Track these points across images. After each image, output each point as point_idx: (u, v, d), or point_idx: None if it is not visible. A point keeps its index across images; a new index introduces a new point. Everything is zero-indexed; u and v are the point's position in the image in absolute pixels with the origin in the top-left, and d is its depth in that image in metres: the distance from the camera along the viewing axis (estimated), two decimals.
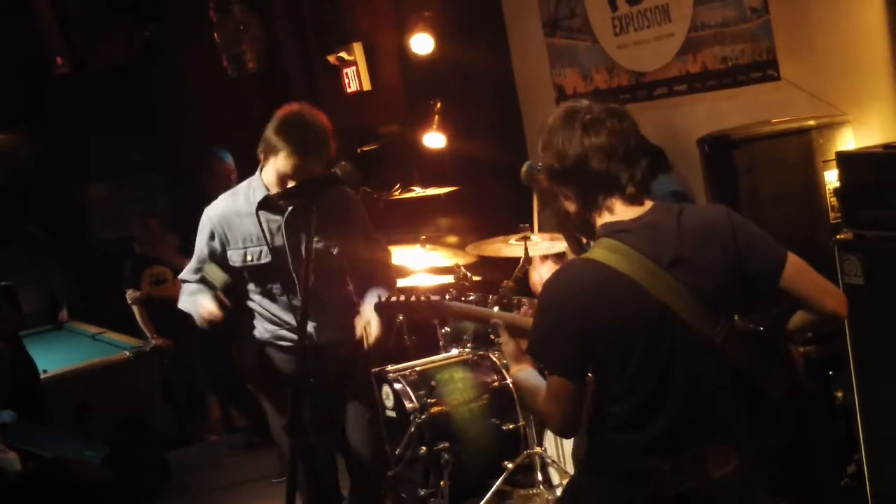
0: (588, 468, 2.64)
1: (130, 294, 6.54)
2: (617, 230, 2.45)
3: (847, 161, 3.46)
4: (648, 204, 2.50)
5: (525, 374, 2.67)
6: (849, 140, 3.94)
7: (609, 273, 2.40)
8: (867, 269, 3.30)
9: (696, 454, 2.44)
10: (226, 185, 4.70)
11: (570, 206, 2.54)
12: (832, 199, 3.79)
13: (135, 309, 6.56)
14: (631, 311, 2.40)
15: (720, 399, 2.47)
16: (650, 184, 2.53)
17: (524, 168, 3.81)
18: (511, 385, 4.63)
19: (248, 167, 4.59)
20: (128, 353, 6.06)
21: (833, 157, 3.63)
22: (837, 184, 3.56)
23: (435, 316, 3.21)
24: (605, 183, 2.47)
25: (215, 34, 7.23)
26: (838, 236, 3.43)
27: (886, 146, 3.41)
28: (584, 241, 2.80)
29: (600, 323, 2.40)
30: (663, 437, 2.43)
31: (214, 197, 4.00)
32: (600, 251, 2.44)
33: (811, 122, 3.90)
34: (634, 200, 2.49)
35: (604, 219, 2.49)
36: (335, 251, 3.86)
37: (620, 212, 2.48)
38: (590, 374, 2.49)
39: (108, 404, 5.80)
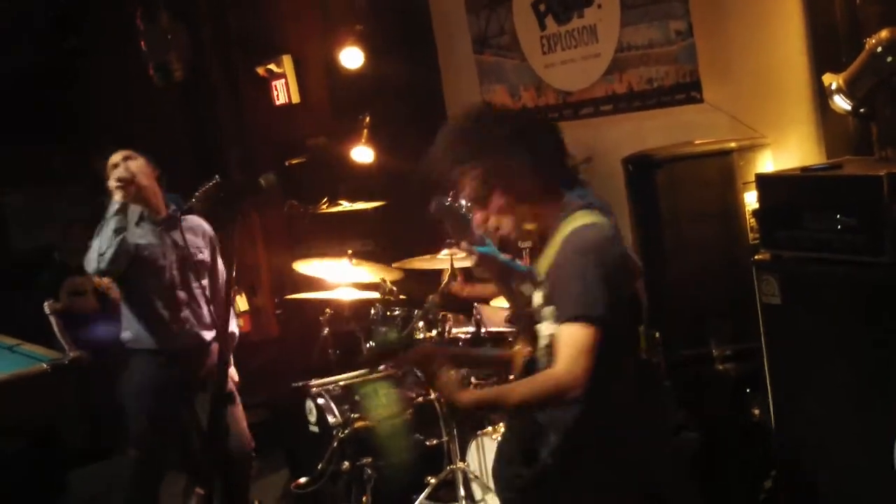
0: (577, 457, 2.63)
1: (49, 305, 6.38)
2: (587, 204, 2.57)
3: (766, 183, 3.53)
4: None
5: (486, 390, 2.74)
6: (768, 162, 4.03)
7: (617, 236, 2.55)
8: (784, 289, 3.36)
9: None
10: None
11: (521, 185, 2.59)
12: (751, 220, 3.87)
13: (52, 319, 6.40)
14: (630, 276, 2.56)
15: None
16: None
17: (433, 204, 3.36)
18: (436, 400, 4.62)
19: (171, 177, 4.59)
20: (45, 366, 5.90)
21: (753, 178, 3.70)
22: (756, 205, 3.63)
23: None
24: (559, 151, 2.62)
25: (142, 42, 7.13)
26: (756, 256, 3.49)
27: (804, 169, 3.49)
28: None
29: (624, 283, 2.53)
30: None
31: None
32: (595, 217, 2.54)
33: (732, 145, 3.98)
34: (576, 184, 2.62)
35: (561, 198, 2.60)
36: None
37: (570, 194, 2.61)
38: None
39: (24, 417, 5.64)
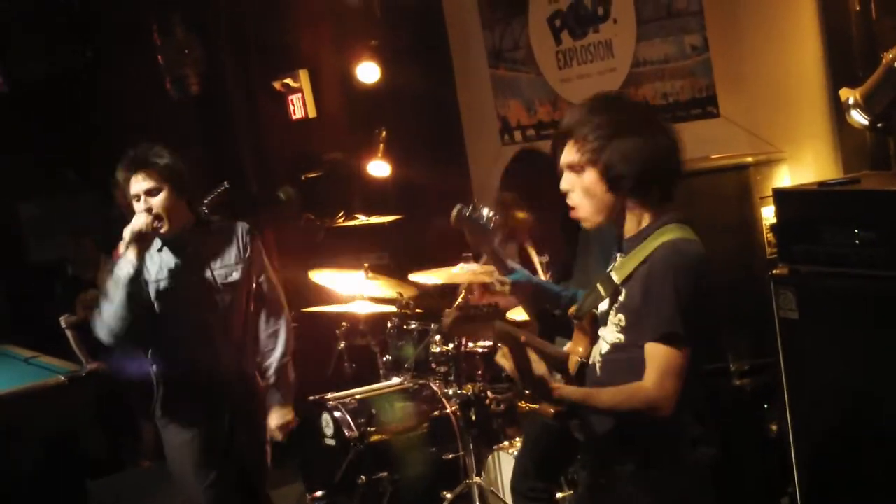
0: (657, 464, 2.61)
1: (65, 319, 6.41)
2: (684, 219, 2.57)
3: (783, 198, 3.53)
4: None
5: (573, 388, 2.57)
6: (785, 177, 4.03)
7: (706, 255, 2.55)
8: (801, 304, 3.35)
9: None
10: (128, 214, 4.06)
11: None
12: (768, 235, 3.87)
13: (68, 333, 6.43)
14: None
15: None
16: None
17: (454, 213, 3.32)
18: (453, 414, 4.63)
19: None
20: (62, 378, 5.94)
21: (770, 193, 3.70)
22: (773, 219, 3.63)
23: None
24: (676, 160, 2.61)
25: (159, 56, 7.17)
26: (774, 271, 3.49)
27: (821, 184, 3.49)
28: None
29: (712, 299, 2.52)
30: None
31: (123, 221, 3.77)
32: (690, 233, 2.54)
33: (749, 159, 3.98)
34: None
35: (661, 209, 2.58)
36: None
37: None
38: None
39: (40, 429, 5.67)
